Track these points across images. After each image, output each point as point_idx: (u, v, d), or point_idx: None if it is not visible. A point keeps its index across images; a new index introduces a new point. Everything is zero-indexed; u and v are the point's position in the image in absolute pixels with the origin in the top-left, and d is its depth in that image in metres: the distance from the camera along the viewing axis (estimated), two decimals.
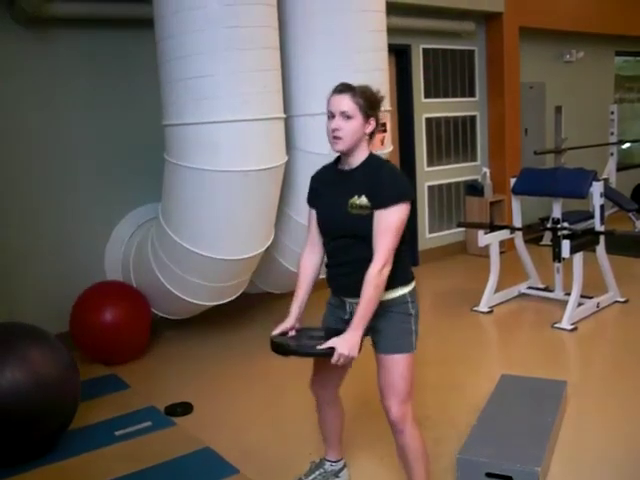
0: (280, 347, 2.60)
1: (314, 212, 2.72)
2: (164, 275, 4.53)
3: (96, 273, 5.05)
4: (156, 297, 4.80)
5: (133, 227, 5.15)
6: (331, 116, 2.49)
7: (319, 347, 2.45)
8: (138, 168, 5.20)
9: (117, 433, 3.66)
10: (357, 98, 2.46)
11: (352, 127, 2.46)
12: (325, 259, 2.73)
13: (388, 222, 2.43)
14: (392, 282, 2.50)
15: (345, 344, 2.40)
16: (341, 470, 3.07)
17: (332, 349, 2.40)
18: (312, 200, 2.74)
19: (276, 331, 2.69)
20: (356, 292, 2.45)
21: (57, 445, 3.51)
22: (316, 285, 2.81)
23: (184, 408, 3.98)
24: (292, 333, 2.71)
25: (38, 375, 3.27)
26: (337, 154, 2.60)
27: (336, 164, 2.65)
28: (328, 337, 2.48)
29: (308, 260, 2.78)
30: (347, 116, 2.46)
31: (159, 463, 3.34)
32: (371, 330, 2.57)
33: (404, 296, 2.58)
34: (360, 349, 2.45)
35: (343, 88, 2.50)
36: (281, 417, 3.90)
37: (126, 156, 5.19)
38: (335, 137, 2.48)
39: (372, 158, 2.55)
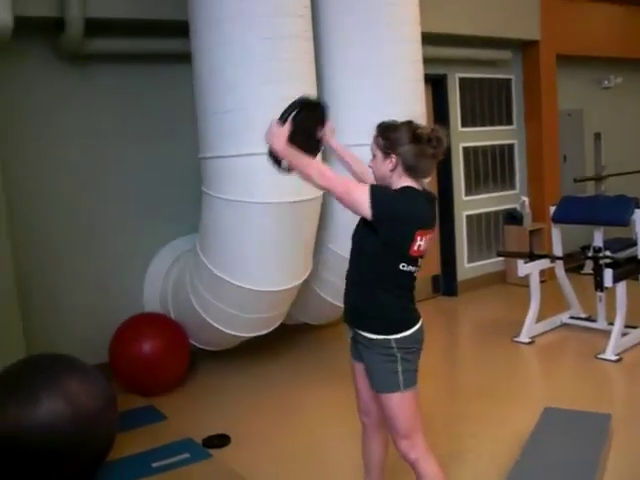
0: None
1: None
2: (202, 306, 4.54)
3: (135, 305, 5.09)
4: (194, 328, 4.81)
5: (171, 259, 5.18)
6: None
7: None
8: (175, 200, 5.26)
9: (154, 465, 3.65)
10: (377, 138, 2.61)
11: (374, 164, 2.64)
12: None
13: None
14: (376, 326, 2.55)
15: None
16: None
17: None
18: None
19: None
20: (350, 317, 2.69)
21: (94, 477, 3.50)
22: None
23: (221, 440, 3.96)
24: None
25: (76, 406, 3.27)
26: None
27: None
28: None
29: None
30: (372, 154, 2.64)
31: None
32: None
33: (387, 341, 2.54)
34: None
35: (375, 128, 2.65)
36: (319, 449, 3.86)
37: (164, 188, 5.25)
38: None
39: (399, 189, 2.59)
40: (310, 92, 4.14)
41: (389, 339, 2.54)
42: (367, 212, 2.45)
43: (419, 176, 2.58)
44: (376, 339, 2.56)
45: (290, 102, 2.70)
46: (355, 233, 2.66)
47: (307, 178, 2.57)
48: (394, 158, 2.54)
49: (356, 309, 2.65)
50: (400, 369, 2.55)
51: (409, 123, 2.57)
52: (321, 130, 2.91)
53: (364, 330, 2.60)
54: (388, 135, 2.56)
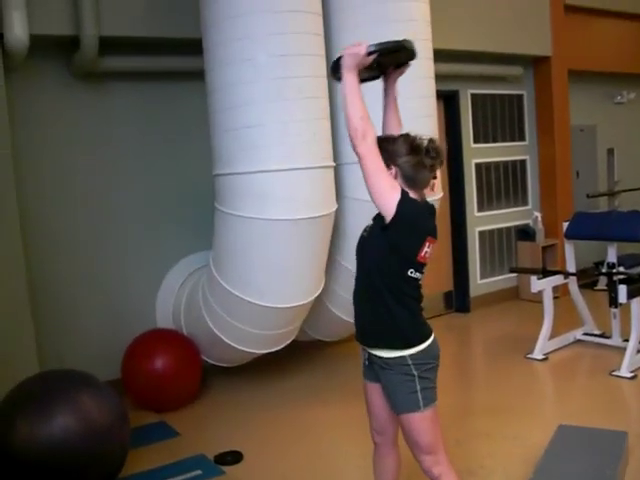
0: None
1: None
2: (214, 322, 4.54)
3: (147, 320, 5.10)
4: (207, 344, 4.81)
5: (184, 275, 5.20)
6: None
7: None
8: (189, 216, 5.28)
9: None
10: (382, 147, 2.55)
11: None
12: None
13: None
14: (391, 340, 2.54)
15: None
16: None
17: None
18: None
19: None
20: (364, 338, 2.68)
21: None
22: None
23: (234, 457, 3.95)
24: None
25: (88, 422, 3.28)
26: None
27: None
28: None
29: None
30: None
31: None
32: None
33: (403, 358, 2.53)
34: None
35: None
36: (332, 467, 3.84)
37: (177, 205, 5.28)
38: None
39: None
40: (322, 108, 4.16)
41: (404, 356, 2.52)
42: (390, 208, 2.44)
43: (418, 187, 2.57)
44: (392, 358, 2.54)
45: (394, 41, 2.56)
46: (360, 246, 2.66)
47: (347, 116, 2.50)
48: (394, 170, 2.52)
49: (368, 326, 2.63)
50: (419, 388, 2.53)
51: (407, 135, 2.59)
52: (393, 71, 2.78)
53: (379, 348, 2.58)
54: (387, 147, 2.54)
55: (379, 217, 2.54)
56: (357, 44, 2.48)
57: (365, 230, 2.67)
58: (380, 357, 2.58)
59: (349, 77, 2.48)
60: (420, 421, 2.56)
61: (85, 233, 4.95)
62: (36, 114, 4.71)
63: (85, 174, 4.93)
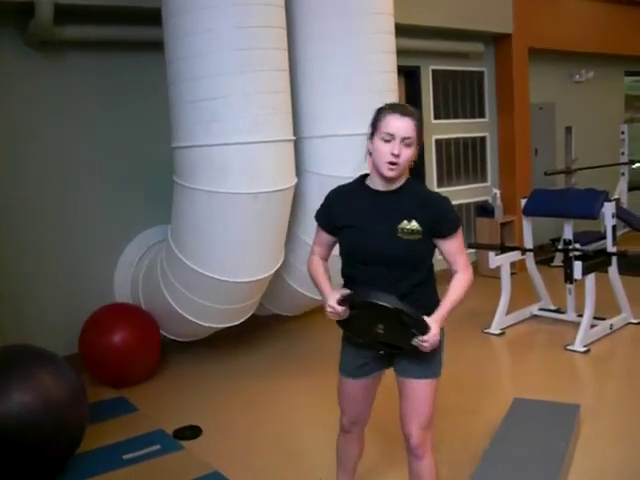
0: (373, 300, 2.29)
1: (324, 234, 2.58)
2: (173, 297, 4.51)
3: (105, 295, 5.05)
4: (165, 319, 4.78)
5: (142, 249, 5.15)
6: (390, 139, 2.33)
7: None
8: (148, 190, 5.21)
9: (125, 457, 3.63)
10: (418, 123, 2.36)
11: (410, 155, 2.36)
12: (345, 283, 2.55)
13: (459, 244, 2.49)
14: (432, 305, 2.47)
15: (436, 327, 2.34)
16: None
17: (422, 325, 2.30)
18: (330, 220, 2.54)
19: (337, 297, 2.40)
20: None
21: (65, 469, 3.48)
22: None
23: (193, 431, 3.95)
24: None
25: (46, 398, 3.25)
26: (361, 173, 2.53)
27: (362, 184, 2.50)
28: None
29: (321, 263, 2.62)
30: (408, 143, 2.34)
31: None
32: (397, 356, 2.51)
33: None
34: None
35: (408, 111, 2.37)
36: (292, 441, 3.86)
37: (136, 178, 5.21)
38: (392, 163, 2.33)
39: (411, 181, 2.47)
40: (284, 81, 4.11)
41: None
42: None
43: None
44: None
45: (364, 294, 2.34)
46: (398, 250, 2.40)
47: None
48: (418, 145, 2.40)
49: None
50: (443, 353, 2.55)
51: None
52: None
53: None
54: (421, 120, 2.40)
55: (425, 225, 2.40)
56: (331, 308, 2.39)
57: (388, 228, 2.40)
58: None
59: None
60: (435, 388, 2.54)
61: (41, 206, 4.85)
62: None
63: (41, 145, 4.82)
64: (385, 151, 2.33)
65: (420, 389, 2.52)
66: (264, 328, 5.67)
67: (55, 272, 4.94)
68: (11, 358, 3.40)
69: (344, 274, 2.55)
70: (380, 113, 2.40)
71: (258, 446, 3.77)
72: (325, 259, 2.64)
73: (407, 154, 2.34)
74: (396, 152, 2.31)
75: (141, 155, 5.21)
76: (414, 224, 2.39)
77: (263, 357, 5.19)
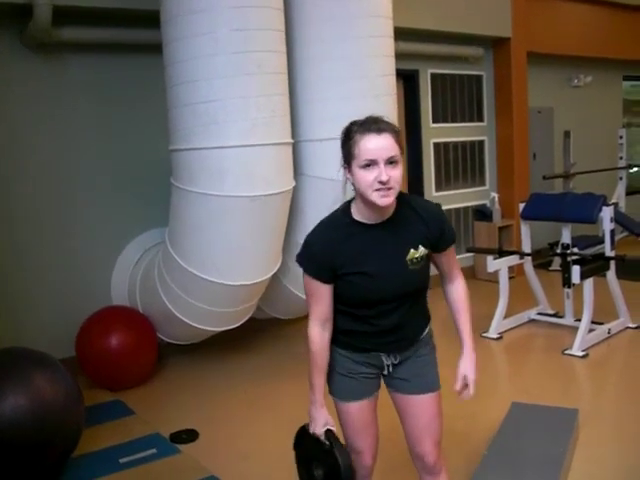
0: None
1: (324, 286, 2.21)
2: (170, 300, 4.50)
3: (102, 298, 5.03)
4: (162, 322, 4.77)
5: (140, 252, 5.14)
6: (372, 164, 1.99)
7: None
8: (146, 192, 5.20)
9: (121, 460, 3.61)
10: (398, 137, 2.04)
11: (399, 174, 2.02)
12: (351, 327, 2.28)
13: (454, 254, 2.39)
14: (428, 316, 2.45)
15: (473, 367, 2.37)
16: None
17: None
18: (331, 268, 2.18)
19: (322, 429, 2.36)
20: (408, 344, 2.36)
21: (61, 472, 3.46)
22: None
23: (189, 435, 3.93)
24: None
25: (42, 401, 3.23)
26: (339, 205, 2.21)
27: (349, 218, 2.16)
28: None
29: (323, 340, 2.26)
30: (394, 161, 2.01)
31: None
32: (396, 374, 2.39)
33: (431, 329, 2.49)
34: None
35: (383, 125, 2.03)
36: (288, 446, 3.82)
37: (133, 180, 5.20)
38: (388, 189, 2.00)
39: (400, 199, 2.15)
40: (282, 84, 4.10)
41: (431, 327, 2.47)
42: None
43: None
44: (427, 332, 2.46)
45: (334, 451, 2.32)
46: (409, 283, 2.23)
47: None
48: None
49: (419, 331, 2.42)
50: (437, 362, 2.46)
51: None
52: None
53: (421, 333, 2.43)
54: (399, 131, 2.10)
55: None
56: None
57: (397, 263, 2.17)
58: (419, 340, 2.40)
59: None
60: (441, 399, 2.44)
61: (38, 209, 4.84)
62: None
63: (39, 148, 4.82)
64: (370, 180, 1.99)
65: (430, 403, 2.38)
66: (261, 331, 5.66)
67: (52, 275, 4.92)
68: (6, 361, 3.38)
69: (342, 330, 2.29)
70: (350, 136, 2.05)
71: (255, 450, 3.75)
72: (329, 320, 2.26)
73: (396, 174, 2.01)
74: (384, 179, 1.98)
75: (139, 157, 5.20)
76: (421, 250, 2.18)
77: (261, 361, 5.17)
